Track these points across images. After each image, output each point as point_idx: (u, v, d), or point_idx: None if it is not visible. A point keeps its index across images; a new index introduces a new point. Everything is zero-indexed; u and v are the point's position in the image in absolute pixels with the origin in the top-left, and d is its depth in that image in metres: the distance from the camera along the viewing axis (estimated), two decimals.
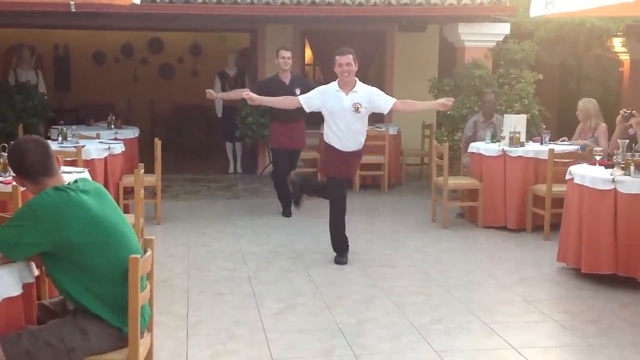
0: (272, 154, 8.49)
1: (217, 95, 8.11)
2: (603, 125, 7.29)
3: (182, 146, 13.45)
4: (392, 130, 9.84)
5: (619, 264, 5.37)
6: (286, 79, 7.82)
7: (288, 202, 7.91)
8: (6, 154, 3.23)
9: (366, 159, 9.27)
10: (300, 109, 7.64)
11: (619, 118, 6.52)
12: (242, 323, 4.64)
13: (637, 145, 5.77)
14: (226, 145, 11.21)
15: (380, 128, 9.72)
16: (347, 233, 6.29)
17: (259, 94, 7.48)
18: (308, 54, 11.84)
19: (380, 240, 6.98)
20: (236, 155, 11.18)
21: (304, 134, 8.13)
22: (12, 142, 3.15)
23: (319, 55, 11.55)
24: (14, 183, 4.00)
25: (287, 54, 7.84)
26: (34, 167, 2.96)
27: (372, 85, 6.26)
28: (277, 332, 4.49)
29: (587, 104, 7.43)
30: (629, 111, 6.46)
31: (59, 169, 3.12)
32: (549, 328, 4.65)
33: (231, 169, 11.20)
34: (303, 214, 8.00)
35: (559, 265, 5.96)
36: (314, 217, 7.77)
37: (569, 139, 7.78)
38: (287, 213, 7.96)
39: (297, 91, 7.51)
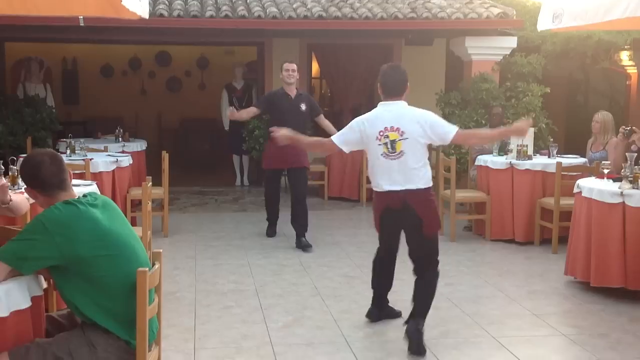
0: (264, 177, 7.93)
1: (237, 115, 7.43)
2: (614, 139, 7.26)
3: (189, 159, 13.49)
4: None
5: (628, 278, 5.35)
6: (291, 92, 7.35)
7: (273, 221, 7.67)
8: (19, 167, 3.24)
9: None
10: (304, 122, 7.53)
11: (620, 137, 6.48)
12: (250, 336, 4.63)
13: None
14: (233, 158, 11.25)
15: None
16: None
17: (265, 108, 7.56)
18: (315, 67, 11.89)
19: None
20: (243, 168, 11.21)
21: (305, 153, 7.34)
22: (26, 155, 3.17)
23: (326, 69, 11.59)
24: (24, 196, 4.02)
25: (292, 66, 7.34)
26: (49, 180, 2.98)
27: (379, 100, 5.65)
28: (285, 345, 4.48)
29: (605, 117, 7.30)
30: (628, 128, 6.42)
31: (71, 182, 3.13)
32: (558, 342, 4.63)
33: (238, 182, 11.23)
34: (308, 228, 8.00)
35: (567, 278, 5.93)
36: (319, 231, 7.78)
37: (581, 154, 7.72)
38: (271, 232, 7.66)
39: (302, 107, 7.29)
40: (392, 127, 4.43)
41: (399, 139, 4.42)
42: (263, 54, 11.15)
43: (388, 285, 4.98)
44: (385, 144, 4.44)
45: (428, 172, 4.53)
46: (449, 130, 4.46)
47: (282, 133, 4.80)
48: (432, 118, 4.50)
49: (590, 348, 4.47)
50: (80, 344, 2.88)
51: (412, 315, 4.54)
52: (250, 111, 7.63)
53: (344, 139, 4.62)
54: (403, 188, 4.45)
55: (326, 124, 7.59)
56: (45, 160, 3.00)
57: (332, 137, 4.71)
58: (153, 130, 14.41)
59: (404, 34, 10.53)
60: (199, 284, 5.82)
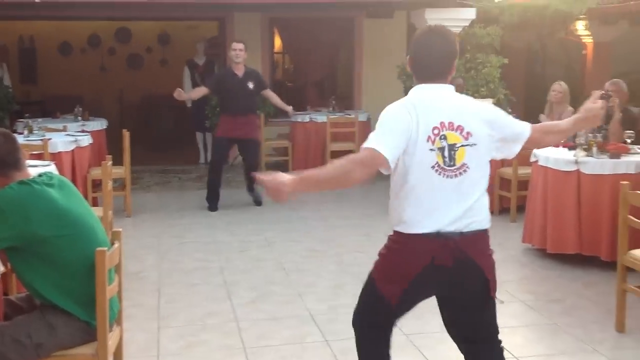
0: (213, 144, 8.38)
1: (185, 96, 8.00)
2: (570, 108, 7.36)
3: (151, 137, 13.35)
4: (362, 117, 9.89)
5: (583, 244, 5.49)
6: (239, 71, 7.61)
7: (215, 196, 7.76)
8: None
9: (336, 146, 9.36)
10: (252, 100, 7.67)
11: (600, 102, 6.53)
12: (215, 313, 4.67)
13: (611, 120, 5.81)
14: (196, 135, 11.17)
15: (350, 115, 9.80)
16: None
17: (215, 89, 7.77)
18: (277, 42, 11.82)
19: (352, 227, 7.03)
20: (207, 145, 11.13)
21: (255, 127, 7.87)
22: None
23: (288, 44, 11.54)
24: None
25: (239, 45, 7.57)
26: (3, 159, 2.95)
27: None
28: (249, 321, 4.52)
29: (565, 88, 7.39)
30: (608, 91, 6.47)
31: (26, 162, 3.10)
32: (515, 308, 4.75)
33: (202, 159, 11.16)
34: (274, 203, 8.04)
35: (524, 246, 6.07)
36: (284, 206, 7.80)
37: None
38: (212, 207, 7.76)
39: (250, 85, 7.56)
40: (451, 124, 2.64)
41: (461, 143, 2.65)
42: (225, 29, 11.05)
43: None
44: (442, 149, 2.63)
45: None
46: (523, 130, 2.80)
47: (281, 180, 2.80)
48: (498, 112, 2.80)
49: (547, 313, 4.61)
50: (39, 326, 2.88)
51: None
52: (201, 91, 7.93)
53: (385, 141, 2.61)
54: (462, 229, 2.68)
55: (271, 95, 8.02)
56: None
57: (369, 145, 2.62)
58: (114, 108, 14.21)
59: (365, 7, 10.53)
60: (163, 263, 5.82)
